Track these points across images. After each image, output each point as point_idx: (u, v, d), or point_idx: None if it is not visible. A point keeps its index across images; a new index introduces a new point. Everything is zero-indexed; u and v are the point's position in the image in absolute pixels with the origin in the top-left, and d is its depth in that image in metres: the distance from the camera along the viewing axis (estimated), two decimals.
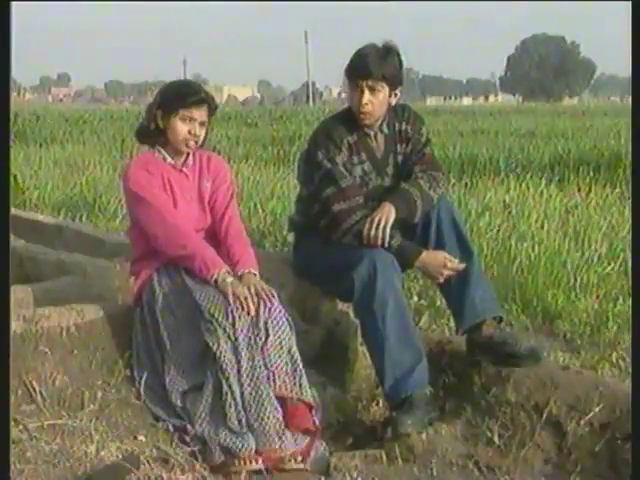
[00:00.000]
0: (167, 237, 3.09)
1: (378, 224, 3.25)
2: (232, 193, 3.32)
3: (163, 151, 3.23)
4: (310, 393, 2.96)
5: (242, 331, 2.90)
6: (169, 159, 3.24)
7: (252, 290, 2.96)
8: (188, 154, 3.25)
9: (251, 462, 2.79)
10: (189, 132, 3.14)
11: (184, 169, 3.25)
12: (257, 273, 3.09)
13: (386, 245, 3.25)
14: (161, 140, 3.21)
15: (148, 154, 3.27)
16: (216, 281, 2.98)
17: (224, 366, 2.88)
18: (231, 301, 2.91)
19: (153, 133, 3.21)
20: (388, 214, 3.27)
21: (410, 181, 3.38)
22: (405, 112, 3.51)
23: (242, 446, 2.79)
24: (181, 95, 3.15)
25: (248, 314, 2.91)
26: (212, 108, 3.20)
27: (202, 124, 3.17)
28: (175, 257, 3.10)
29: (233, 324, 2.90)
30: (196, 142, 3.18)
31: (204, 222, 3.26)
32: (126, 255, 4.39)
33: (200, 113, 3.15)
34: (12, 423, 2.75)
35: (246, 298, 2.92)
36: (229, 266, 3.06)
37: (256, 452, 2.80)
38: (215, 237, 3.25)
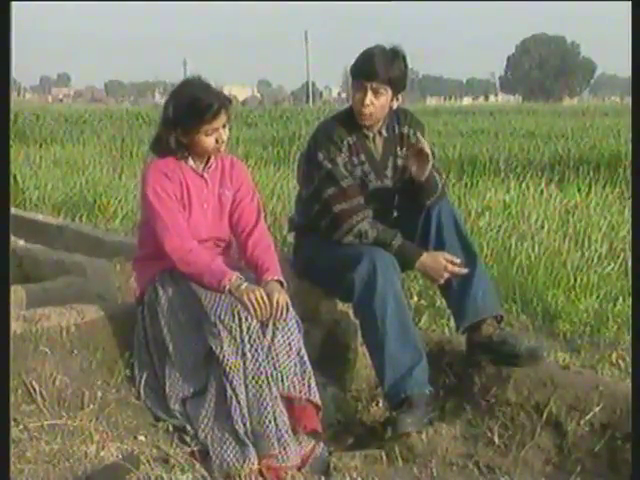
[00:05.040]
0: (173, 253, 3.03)
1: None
2: (259, 206, 3.25)
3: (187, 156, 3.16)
4: (318, 395, 2.96)
5: (248, 332, 2.88)
6: (191, 162, 3.16)
7: (266, 299, 2.91)
8: (209, 157, 3.20)
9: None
10: (216, 141, 3.09)
11: (205, 174, 3.18)
12: (283, 281, 3.05)
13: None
14: (184, 152, 3.13)
15: (169, 158, 3.15)
16: (230, 290, 2.93)
17: (227, 370, 2.86)
18: (250, 308, 2.88)
19: (175, 148, 3.12)
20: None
21: None
22: (406, 116, 3.51)
23: (243, 462, 2.78)
24: (197, 113, 3.02)
25: (257, 320, 2.89)
26: (228, 107, 3.10)
27: (224, 126, 3.10)
28: (184, 273, 3.04)
29: (240, 325, 2.88)
30: (224, 143, 3.12)
31: (219, 231, 3.21)
32: (126, 255, 4.40)
33: (221, 119, 3.06)
34: (12, 423, 2.75)
35: (259, 305, 2.89)
36: (257, 275, 3.05)
37: (258, 458, 2.79)
38: (229, 244, 3.24)
